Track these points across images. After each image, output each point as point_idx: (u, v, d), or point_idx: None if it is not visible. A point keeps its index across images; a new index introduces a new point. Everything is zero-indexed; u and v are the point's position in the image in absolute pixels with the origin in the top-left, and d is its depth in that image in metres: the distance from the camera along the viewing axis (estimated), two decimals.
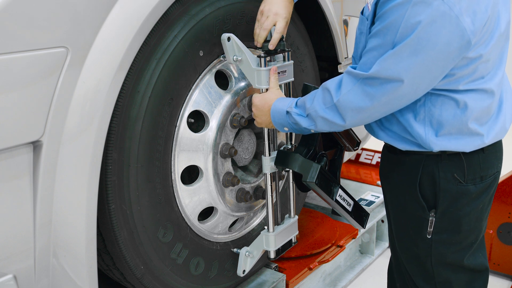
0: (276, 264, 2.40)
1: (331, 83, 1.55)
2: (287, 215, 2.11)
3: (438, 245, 1.67)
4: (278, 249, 2.07)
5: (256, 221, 2.21)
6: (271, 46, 1.78)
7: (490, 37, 1.44)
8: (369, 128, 1.69)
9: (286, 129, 1.68)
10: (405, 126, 1.56)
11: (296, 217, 2.11)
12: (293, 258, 2.47)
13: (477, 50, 1.43)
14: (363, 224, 2.00)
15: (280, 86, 2.01)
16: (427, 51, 1.36)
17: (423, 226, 1.66)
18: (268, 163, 1.90)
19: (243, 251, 2.02)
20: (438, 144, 1.54)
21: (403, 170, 1.66)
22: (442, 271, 1.71)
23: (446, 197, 1.61)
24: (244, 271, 2.03)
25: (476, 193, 1.62)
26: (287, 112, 1.63)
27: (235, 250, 2.06)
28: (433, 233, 1.65)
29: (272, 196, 1.95)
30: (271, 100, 1.71)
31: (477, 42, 1.41)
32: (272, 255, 2.03)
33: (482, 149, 1.59)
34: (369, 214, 2.02)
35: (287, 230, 2.05)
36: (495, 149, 1.63)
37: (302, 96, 1.87)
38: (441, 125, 1.53)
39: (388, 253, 3.11)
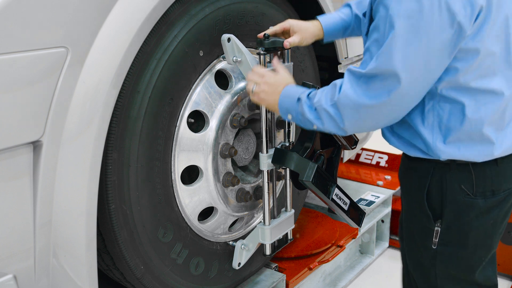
0: (276, 264, 2.40)
1: (340, 80, 1.50)
2: (283, 209, 2.12)
3: (442, 257, 1.62)
4: (274, 245, 2.07)
5: (256, 221, 2.21)
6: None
7: (489, 26, 1.39)
8: (383, 134, 1.67)
9: (289, 116, 1.60)
10: (415, 132, 1.53)
11: (293, 211, 2.11)
12: (293, 258, 2.48)
13: (476, 40, 1.38)
14: (359, 223, 2.00)
15: None
16: (420, 38, 1.33)
17: (428, 235, 1.61)
18: (265, 161, 1.90)
19: (238, 244, 2.02)
20: (445, 152, 1.50)
21: (414, 176, 1.63)
22: (447, 284, 1.65)
23: (452, 209, 1.56)
24: (239, 263, 2.03)
25: (486, 207, 1.55)
26: (298, 99, 1.56)
27: (231, 243, 2.07)
28: (438, 244, 1.60)
29: (269, 192, 1.95)
30: (286, 83, 1.64)
31: (475, 33, 1.38)
32: (268, 250, 2.03)
33: (495, 161, 1.52)
34: (365, 213, 2.03)
35: (283, 224, 2.06)
36: None
37: None
38: (449, 130, 1.48)
39: (388, 253, 3.11)
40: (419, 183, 1.60)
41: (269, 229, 1.98)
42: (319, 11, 2.22)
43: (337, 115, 1.47)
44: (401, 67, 1.35)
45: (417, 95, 1.42)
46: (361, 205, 2.96)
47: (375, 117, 1.45)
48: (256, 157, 2.13)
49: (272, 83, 1.65)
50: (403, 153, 1.68)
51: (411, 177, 1.65)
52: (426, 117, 1.50)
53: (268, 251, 2.04)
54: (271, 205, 2.02)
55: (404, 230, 1.76)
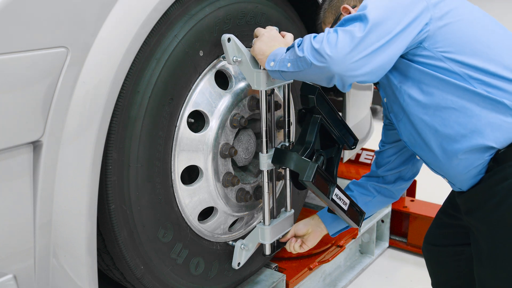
0: (276, 264, 2.40)
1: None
2: (283, 209, 2.12)
3: None
4: (274, 245, 2.07)
5: (256, 221, 2.21)
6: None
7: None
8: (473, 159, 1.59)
9: (272, 64, 1.64)
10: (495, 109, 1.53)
11: (292, 211, 2.11)
12: (293, 258, 2.48)
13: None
14: (358, 223, 2.00)
15: (279, 87, 2.02)
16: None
17: None
18: (265, 160, 1.90)
19: (238, 244, 2.02)
20: None
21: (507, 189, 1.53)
22: None
23: None
24: (239, 263, 2.03)
25: None
26: (292, 46, 1.60)
27: (230, 243, 2.07)
28: None
29: (268, 192, 1.95)
30: (285, 45, 1.70)
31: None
32: (268, 250, 2.03)
33: None
34: (364, 213, 2.03)
35: (283, 224, 2.06)
36: None
37: (301, 98, 1.88)
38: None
39: (388, 253, 3.11)
40: (509, 184, 1.53)
41: (269, 229, 1.98)
42: None
43: (315, 36, 1.52)
44: (371, 8, 1.47)
45: (383, 35, 1.47)
46: None
47: (348, 37, 1.46)
48: (256, 157, 2.13)
49: (273, 37, 1.73)
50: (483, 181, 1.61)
51: (497, 184, 1.55)
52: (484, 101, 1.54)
53: (267, 251, 2.04)
54: (271, 205, 2.02)
55: (489, 250, 1.61)
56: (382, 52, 1.46)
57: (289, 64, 1.57)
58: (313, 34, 1.54)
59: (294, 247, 2.04)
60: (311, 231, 2.04)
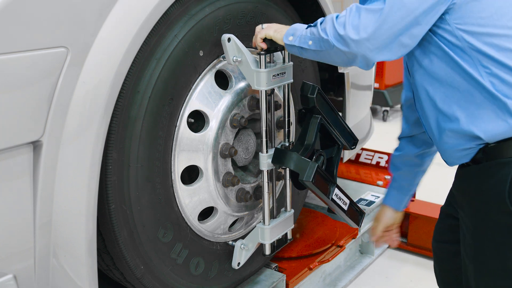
0: (276, 264, 2.40)
1: None
2: (283, 209, 2.12)
3: None
4: (274, 245, 2.07)
5: (256, 221, 2.21)
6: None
7: None
8: (458, 134, 1.56)
9: (290, 38, 1.62)
10: (487, 101, 1.49)
11: (292, 211, 2.11)
12: (293, 258, 2.48)
13: None
14: (358, 223, 2.00)
15: (279, 87, 2.02)
16: None
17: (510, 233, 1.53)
18: (265, 160, 1.90)
19: (238, 244, 2.02)
20: None
21: (488, 178, 1.53)
22: None
23: None
24: (239, 263, 2.04)
25: None
26: (315, 23, 1.58)
27: (230, 243, 2.07)
28: None
29: (268, 192, 1.95)
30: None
31: None
32: (267, 250, 2.03)
33: None
34: (364, 213, 2.03)
35: (283, 224, 2.06)
36: None
37: (301, 98, 1.88)
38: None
39: (388, 253, 3.11)
40: (495, 184, 1.52)
41: (268, 229, 1.98)
42: (319, 11, 2.22)
43: (337, 17, 1.51)
44: None
45: (407, 15, 1.44)
46: (361, 205, 2.96)
47: (372, 17, 1.45)
48: (256, 157, 2.13)
49: (279, 25, 1.72)
50: (467, 164, 1.60)
51: (484, 181, 1.55)
52: (488, 84, 1.49)
53: (267, 251, 2.04)
54: (271, 205, 2.02)
55: (474, 247, 1.62)
56: (406, 32, 1.45)
57: (310, 42, 1.56)
58: (335, 15, 1.52)
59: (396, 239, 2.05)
60: (396, 216, 2.04)
